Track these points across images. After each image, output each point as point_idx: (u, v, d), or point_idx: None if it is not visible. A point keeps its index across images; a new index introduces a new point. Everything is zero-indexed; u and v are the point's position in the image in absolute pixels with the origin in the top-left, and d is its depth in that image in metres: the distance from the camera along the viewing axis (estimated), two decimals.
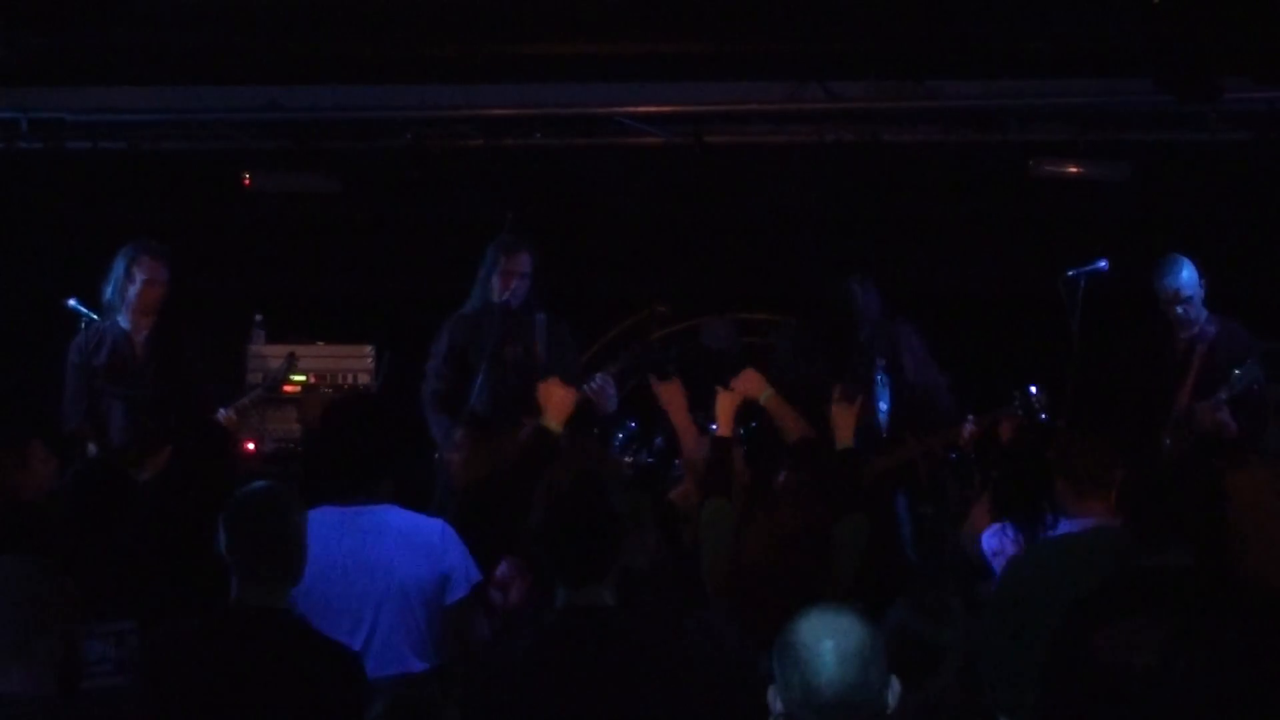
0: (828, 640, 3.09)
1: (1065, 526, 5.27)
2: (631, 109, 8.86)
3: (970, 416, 7.40)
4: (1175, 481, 4.26)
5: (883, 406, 7.52)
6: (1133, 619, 4.01)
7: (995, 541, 5.96)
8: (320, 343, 8.33)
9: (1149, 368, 7.51)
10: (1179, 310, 7.35)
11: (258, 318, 8.33)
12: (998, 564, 5.75)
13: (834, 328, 7.59)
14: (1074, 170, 8.64)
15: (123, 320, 7.56)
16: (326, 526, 4.63)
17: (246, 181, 9.01)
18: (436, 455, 7.57)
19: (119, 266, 7.54)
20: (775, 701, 3.15)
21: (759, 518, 5.80)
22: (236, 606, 4.19)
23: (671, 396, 6.62)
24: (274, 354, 8.17)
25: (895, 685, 3.15)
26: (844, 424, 6.33)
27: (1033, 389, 7.34)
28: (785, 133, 8.97)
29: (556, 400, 5.85)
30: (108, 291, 7.57)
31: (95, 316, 7.62)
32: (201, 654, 4.11)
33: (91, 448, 7.33)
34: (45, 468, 6.35)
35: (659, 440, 8.86)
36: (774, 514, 5.77)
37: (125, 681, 4.77)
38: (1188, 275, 7.30)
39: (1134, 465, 4.94)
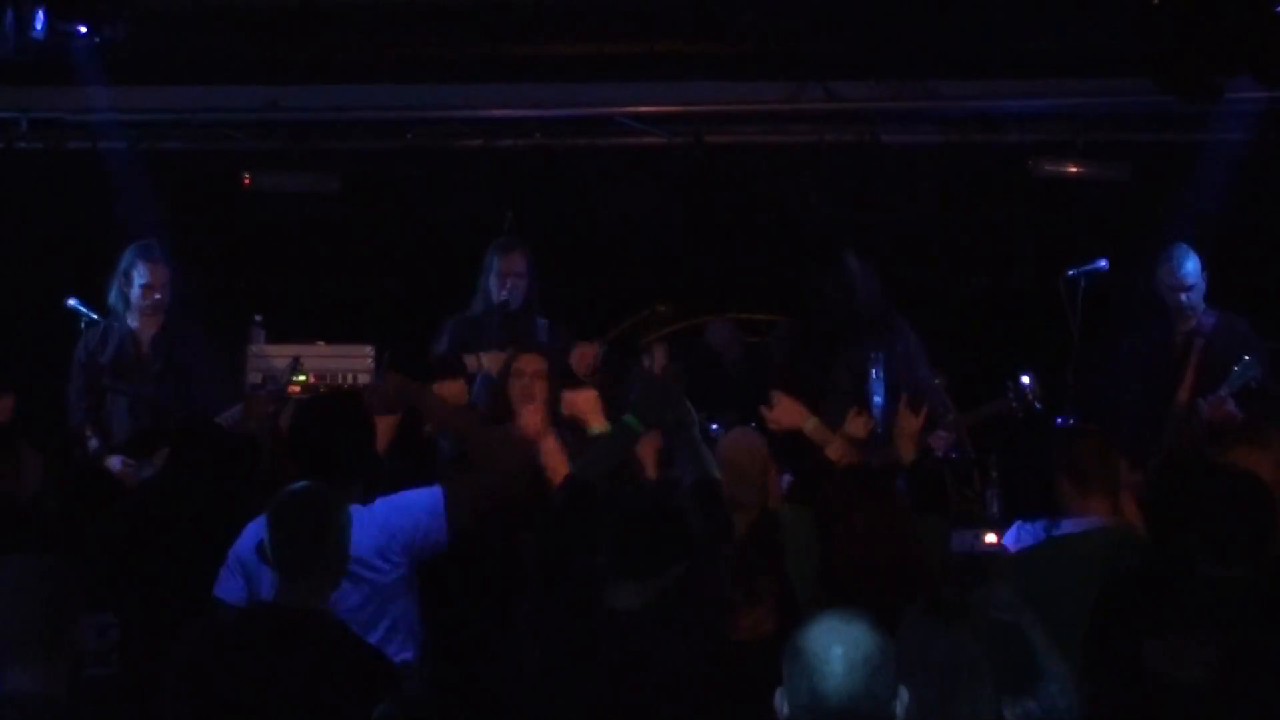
0: (837, 647, 3.09)
1: (1068, 526, 5.26)
2: (631, 109, 8.86)
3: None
4: (1236, 494, 4.21)
5: (877, 401, 7.50)
6: (1186, 632, 3.97)
7: (1016, 541, 5.96)
8: (320, 343, 8.30)
9: (1149, 364, 7.53)
10: (1182, 298, 7.45)
11: (258, 318, 8.30)
12: None
13: (829, 324, 7.59)
14: (1074, 170, 8.65)
15: (130, 320, 7.64)
16: None
17: (246, 181, 9.01)
18: None
19: (119, 271, 7.63)
20: (782, 705, 3.15)
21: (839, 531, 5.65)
22: (275, 606, 4.19)
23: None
24: (274, 354, 8.15)
25: (904, 695, 3.15)
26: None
27: (1024, 379, 7.35)
28: (785, 133, 8.98)
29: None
30: (111, 295, 7.66)
31: (95, 316, 7.67)
32: (236, 653, 4.09)
33: (94, 444, 7.35)
34: (32, 466, 6.34)
35: None
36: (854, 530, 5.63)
37: (106, 673, 4.77)
38: (1192, 265, 7.46)
39: (1173, 474, 4.81)
